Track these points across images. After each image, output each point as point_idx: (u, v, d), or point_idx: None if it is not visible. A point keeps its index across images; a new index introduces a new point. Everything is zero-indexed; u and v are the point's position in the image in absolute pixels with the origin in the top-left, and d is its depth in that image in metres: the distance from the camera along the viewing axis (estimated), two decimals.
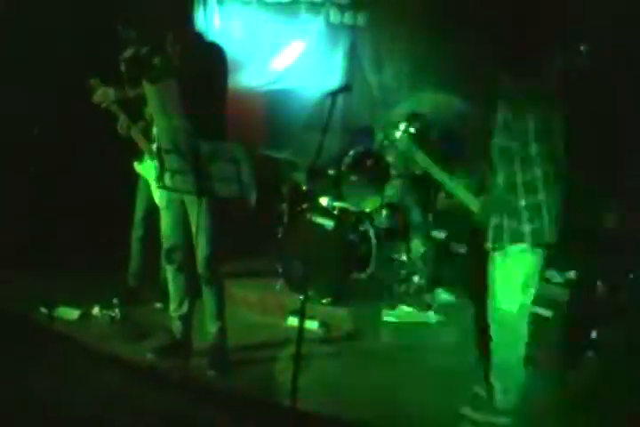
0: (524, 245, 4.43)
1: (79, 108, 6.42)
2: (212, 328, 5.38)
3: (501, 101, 4.45)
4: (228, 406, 4.67)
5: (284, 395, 4.42)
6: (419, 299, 6.85)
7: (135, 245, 6.51)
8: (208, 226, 5.13)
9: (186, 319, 5.46)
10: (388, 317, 6.38)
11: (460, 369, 5.57)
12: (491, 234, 4.50)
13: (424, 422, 4.78)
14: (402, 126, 5.57)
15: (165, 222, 5.33)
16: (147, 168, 6.18)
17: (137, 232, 6.48)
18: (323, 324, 6.30)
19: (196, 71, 4.90)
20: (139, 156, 6.25)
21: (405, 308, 6.57)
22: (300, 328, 4.39)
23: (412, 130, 5.57)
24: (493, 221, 4.47)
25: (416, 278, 7.06)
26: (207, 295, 5.33)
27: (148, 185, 6.25)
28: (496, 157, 4.46)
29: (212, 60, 5.07)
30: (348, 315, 6.42)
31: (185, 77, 4.83)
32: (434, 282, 7.02)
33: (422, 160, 4.88)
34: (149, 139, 5.98)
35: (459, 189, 4.77)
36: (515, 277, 4.53)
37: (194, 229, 5.08)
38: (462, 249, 7.28)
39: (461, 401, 4.97)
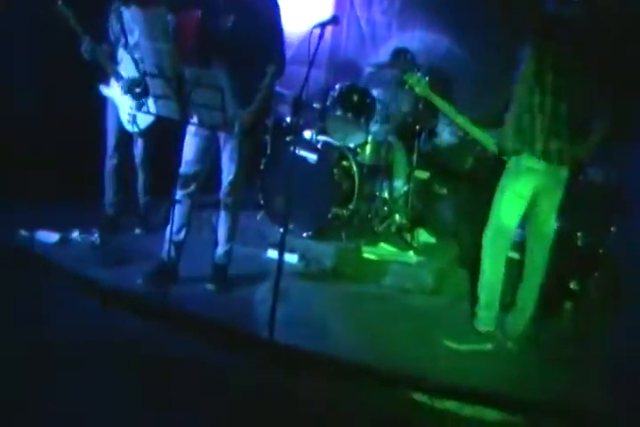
0: (536, 164, 4.85)
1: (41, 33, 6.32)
2: (222, 249, 5.56)
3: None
4: (206, 335, 4.63)
5: (262, 326, 4.39)
6: (399, 238, 6.82)
7: (109, 174, 6.38)
8: (237, 157, 5.27)
9: (179, 246, 5.47)
10: (369, 254, 6.34)
11: (437, 307, 5.59)
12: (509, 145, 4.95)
13: (400, 355, 4.77)
14: (417, 73, 5.53)
15: (189, 148, 5.26)
16: (115, 92, 6.08)
17: (111, 161, 6.35)
18: (302, 257, 6.27)
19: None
20: (105, 79, 6.12)
21: (386, 246, 6.53)
22: (280, 261, 4.35)
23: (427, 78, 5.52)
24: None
25: (397, 217, 7.03)
26: (223, 219, 5.53)
27: (117, 111, 6.15)
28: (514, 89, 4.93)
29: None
30: (328, 250, 6.38)
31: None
32: (415, 222, 6.99)
33: (441, 104, 5.38)
34: (115, 62, 5.89)
35: (474, 129, 5.24)
36: (521, 191, 4.93)
37: (224, 158, 5.29)
38: (444, 190, 7.26)
39: (438, 336, 5.08)
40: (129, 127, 6.08)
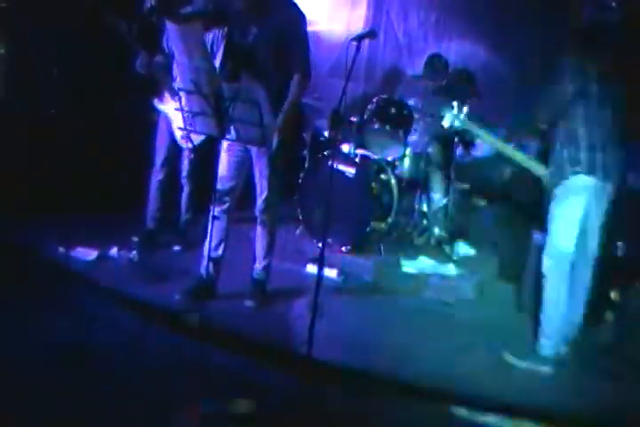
0: (583, 180, 4.77)
1: (97, 48, 6.34)
2: (260, 265, 5.56)
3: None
4: (245, 350, 4.63)
5: (301, 342, 4.37)
6: (439, 251, 6.79)
7: (155, 189, 6.38)
8: (271, 173, 5.27)
9: (217, 262, 5.48)
10: (408, 267, 6.31)
11: (480, 323, 5.54)
12: (553, 170, 4.91)
13: (441, 369, 4.72)
14: (455, 108, 5.51)
15: (223, 165, 5.27)
16: (169, 107, 6.07)
17: (157, 175, 6.34)
18: (342, 272, 6.25)
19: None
20: (159, 93, 6.13)
21: (425, 259, 6.50)
22: (319, 276, 4.34)
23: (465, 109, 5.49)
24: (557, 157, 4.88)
25: (436, 230, 6.99)
26: (260, 235, 5.53)
27: (169, 126, 6.15)
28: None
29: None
30: (367, 264, 6.37)
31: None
32: (454, 234, 6.95)
33: (483, 136, 5.32)
34: (170, 76, 5.91)
35: (520, 156, 5.15)
36: (573, 212, 4.82)
37: (257, 174, 5.30)
38: (483, 202, 7.22)
39: (481, 355, 5.02)
40: (183, 143, 6.07)
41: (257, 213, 5.45)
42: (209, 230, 5.32)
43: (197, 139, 5.99)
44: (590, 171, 4.77)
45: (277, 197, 5.43)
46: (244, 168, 5.34)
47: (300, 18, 5.17)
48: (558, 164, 4.90)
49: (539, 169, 5.10)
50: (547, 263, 4.99)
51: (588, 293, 5.06)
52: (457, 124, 5.42)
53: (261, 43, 5.07)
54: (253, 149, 5.21)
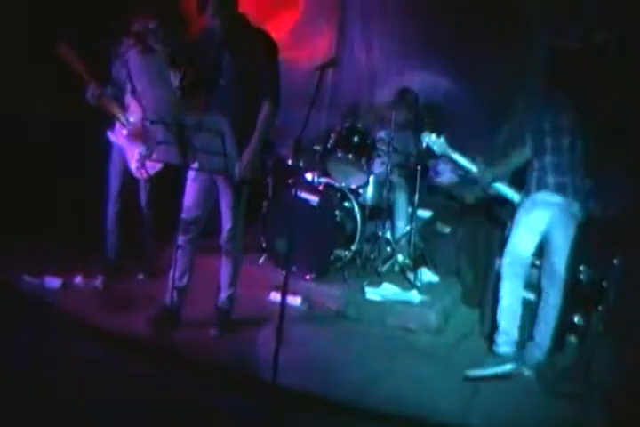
0: (550, 197, 5.05)
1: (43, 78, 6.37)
2: (224, 294, 5.56)
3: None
4: (209, 378, 4.64)
5: (266, 370, 4.37)
6: (403, 278, 6.82)
7: (112, 221, 6.30)
8: (236, 203, 5.29)
9: (182, 291, 5.49)
10: (372, 294, 6.33)
11: (443, 349, 5.57)
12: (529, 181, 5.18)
13: (406, 395, 4.73)
14: (432, 135, 5.67)
15: (188, 194, 5.29)
16: (121, 138, 6.06)
17: (113, 207, 6.28)
18: (305, 300, 6.26)
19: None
20: (111, 125, 6.11)
21: (389, 286, 6.52)
22: (283, 304, 4.35)
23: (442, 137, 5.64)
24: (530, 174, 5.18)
25: (400, 257, 7.02)
26: (225, 265, 5.53)
27: (122, 157, 6.13)
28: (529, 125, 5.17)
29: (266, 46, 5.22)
30: (331, 292, 6.38)
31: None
32: (418, 261, 6.98)
33: (460, 160, 5.62)
34: (122, 106, 5.91)
35: (500, 185, 5.54)
36: (537, 223, 5.11)
37: (222, 204, 5.32)
38: (446, 229, 7.26)
39: (446, 377, 5.08)
40: (138, 174, 6.06)
41: (222, 242, 5.44)
42: (174, 259, 5.34)
43: (153, 168, 5.99)
44: (556, 191, 5.04)
45: (242, 227, 5.45)
46: (209, 198, 5.36)
47: (271, 46, 5.21)
48: (528, 187, 5.17)
49: (514, 196, 5.46)
50: (504, 262, 5.28)
51: (558, 317, 5.26)
52: (436, 148, 5.71)
53: (231, 70, 5.11)
54: (220, 179, 5.23)
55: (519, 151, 5.19)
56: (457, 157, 5.61)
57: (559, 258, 5.20)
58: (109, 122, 6.11)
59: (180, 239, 5.32)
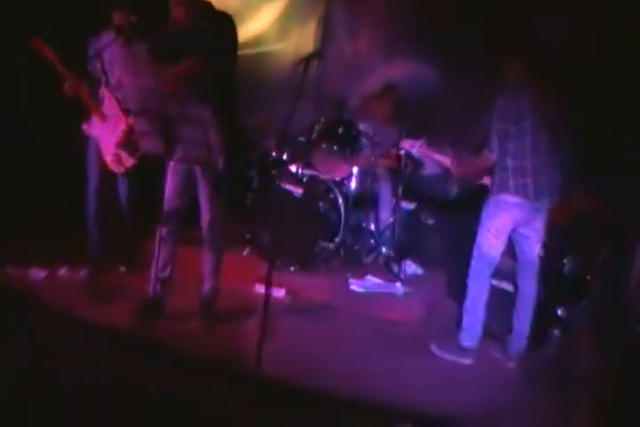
0: (512, 198, 5.06)
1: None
2: (207, 285, 5.53)
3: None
4: (193, 370, 4.62)
5: (249, 362, 4.37)
6: (387, 269, 6.82)
7: (93, 213, 6.25)
8: (214, 193, 5.26)
9: (165, 282, 5.46)
10: (356, 286, 6.34)
11: (427, 342, 5.57)
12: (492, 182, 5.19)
13: (392, 389, 4.72)
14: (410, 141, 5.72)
15: (169, 185, 5.28)
16: (98, 131, 6.00)
17: (93, 199, 6.21)
18: (289, 292, 6.25)
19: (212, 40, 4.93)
20: (87, 117, 6.04)
21: (373, 278, 6.53)
22: (267, 296, 4.35)
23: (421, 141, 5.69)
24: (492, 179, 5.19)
25: (384, 249, 7.02)
26: (207, 255, 5.50)
27: (98, 150, 6.07)
28: (492, 128, 5.07)
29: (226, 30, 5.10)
30: (315, 283, 6.39)
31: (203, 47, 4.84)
32: (402, 253, 6.99)
33: (440, 160, 5.68)
34: (97, 99, 5.88)
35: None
36: (502, 225, 5.14)
37: (200, 195, 5.28)
38: (431, 221, 7.27)
39: (429, 369, 5.15)
40: (114, 167, 6.01)
41: (203, 233, 5.42)
42: (155, 251, 5.33)
43: (129, 161, 5.95)
44: (517, 193, 5.06)
45: (222, 217, 5.42)
46: (188, 188, 5.32)
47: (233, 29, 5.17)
48: (492, 185, 5.20)
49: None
50: (472, 265, 5.31)
51: (533, 305, 5.31)
52: (414, 151, 5.84)
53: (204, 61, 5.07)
54: (197, 170, 5.21)
55: (483, 156, 5.18)
56: (436, 156, 5.64)
57: (530, 249, 5.30)
58: (85, 115, 6.05)
59: (162, 230, 5.31)
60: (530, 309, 5.32)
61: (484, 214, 5.23)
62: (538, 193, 5.06)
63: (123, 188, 6.25)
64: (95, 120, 5.95)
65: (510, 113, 5.02)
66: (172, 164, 5.19)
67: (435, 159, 5.70)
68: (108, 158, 5.91)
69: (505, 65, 5.25)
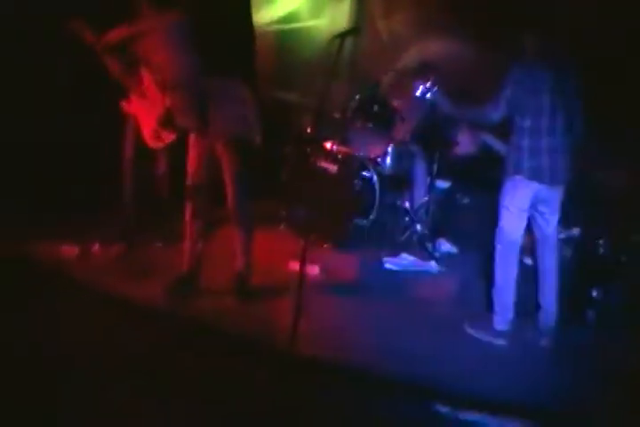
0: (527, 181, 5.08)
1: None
2: (240, 261, 5.53)
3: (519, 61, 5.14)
4: (227, 347, 4.63)
5: (284, 338, 4.37)
6: (421, 248, 6.78)
7: (128, 190, 6.35)
8: (237, 167, 5.24)
9: (198, 259, 5.49)
10: (390, 264, 6.31)
11: (459, 317, 5.57)
12: (506, 169, 5.20)
13: (423, 365, 4.73)
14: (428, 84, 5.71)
15: (191, 160, 5.30)
16: (137, 108, 6.04)
17: (128, 177, 6.31)
18: (323, 269, 6.24)
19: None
20: (127, 96, 6.07)
21: (407, 256, 6.50)
22: (301, 273, 4.34)
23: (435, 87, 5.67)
24: (507, 157, 5.22)
25: (419, 227, 6.99)
26: (236, 232, 5.49)
27: (136, 126, 6.09)
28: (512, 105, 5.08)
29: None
30: (349, 261, 6.37)
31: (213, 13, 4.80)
32: (436, 232, 6.95)
33: (448, 107, 5.74)
34: (137, 78, 5.88)
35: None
36: (521, 203, 5.15)
37: (224, 170, 5.25)
38: (466, 200, 7.22)
39: (463, 349, 5.15)
40: (152, 143, 6.03)
41: (229, 209, 5.40)
42: (186, 228, 5.33)
43: (168, 138, 5.95)
44: (532, 178, 5.06)
45: (246, 192, 5.38)
46: (211, 164, 5.29)
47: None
48: (507, 163, 5.19)
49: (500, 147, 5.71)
50: (498, 249, 5.30)
51: (556, 279, 5.32)
52: (429, 96, 5.77)
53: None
54: (219, 145, 5.18)
55: (488, 110, 5.20)
56: (446, 106, 5.73)
57: (547, 224, 5.31)
58: (124, 93, 6.06)
59: (189, 207, 5.31)
60: (554, 284, 5.32)
61: (502, 195, 5.24)
62: (553, 176, 5.07)
63: (160, 163, 6.26)
64: (134, 98, 5.96)
65: (526, 86, 5.01)
66: (192, 138, 5.18)
67: (444, 104, 5.73)
68: (148, 135, 5.92)
69: (525, 38, 5.21)
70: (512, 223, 5.19)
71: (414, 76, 7.25)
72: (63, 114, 6.81)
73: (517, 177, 5.09)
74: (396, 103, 7.19)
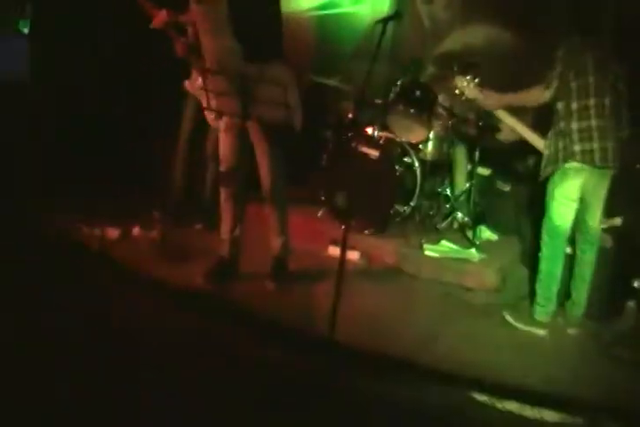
0: (577, 164, 4.98)
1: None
2: (277, 243, 5.52)
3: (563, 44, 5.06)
4: (266, 333, 4.63)
5: (323, 324, 4.35)
6: (462, 235, 6.74)
7: (180, 166, 6.41)
8: (271, 149, 5.22)
9: (236, 242, 5.47)
10: (430, 251, 6.27)
11: (499, 305, 5.57)
12: (551, 157, 5.11)
13: (461, 354, 4.71)
14: (467, 78, 5.62)
15: (224, 146, 5.29)
16: (197, 87, 6.01)
17: (182, 152, 6.43)
18: (363, 255, 6.22)
19: None
20: (189, 75, 6.08)
21: (448, 243, 6.46)
22: (342, 258, 4.32)
23: (476, 80, 5.59)
24: (553, 145, 5.09)
25: (459, 214, 6.94)
26: (272, 214, 5.46)
27: (197, 103, 6.09)
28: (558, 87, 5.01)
29: None
30: (389, 247, 6.34)
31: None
32: (477, 219, 6.90)
33: (490, 107, 5.72)
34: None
35: (525, 130, 5.58)
36: (569, 194, 5.07)
37: (257, 152, 5.23)
38: (507, 187, 7.16)
39: (503, 337, 5.12)
40: (214, 123, 6.02)
41: (263, 194, 5.38)
42: (223, 212, 5.34)
43: None
44: (584, 161, 4.96)
45: (282, 176, 5.37)
46: (245, 148, 5.27)
47: None
48: (553, 152, 5.10)
49: (540, 143, 5.40)
50: (544, 239, 5.25)
51: (592, 272, 5.32)
52: (467, 92, 5.71)
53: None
54: (252, 129, 5.16)
55: (537, 90, 5.13)
56: (487, 104, 5.70)
57: (592, 216, 5.25)
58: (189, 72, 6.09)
59: (224, 192, 5.31)
60: (589, 277, 5.30)
61: (551, 185, 5.16)
62: (603, 157, 4.96)
63: (212, 143, 6.26)
64: (195, 77, 5.96)
65: (573, 67, 4.95)
66: (224, 122, 5.18)
67: (479, 97, 5.66)
68: (210, 116, 5.92)
69: (573, 19, 5.17)
70: (561, 214, 5.13)
71: (456, 74, 7.22)
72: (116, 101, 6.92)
73: (567, 166, 5.00)
74: (441, 99, 7.12)
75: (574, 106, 4.95)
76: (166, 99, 6.46)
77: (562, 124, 5.03)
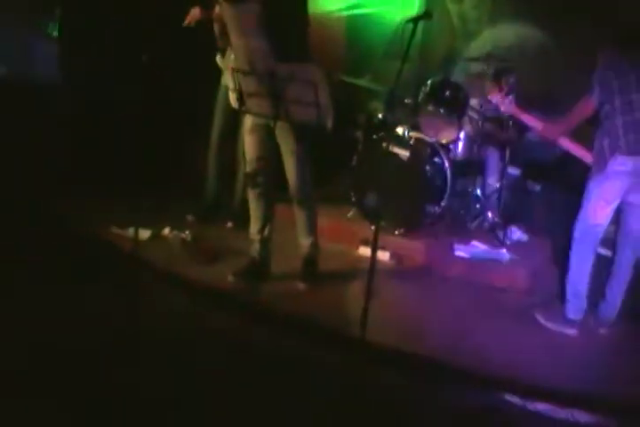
0: (622, 164, 4.89)
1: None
2: (306, 242, 5.50)
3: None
4: (297, 333, 4.63)
5: (354, 325, 4.34)
6: (492, 235, 6.71)
7: (213, 165, 6.44)
8: (297, 149, 5.19)
9: (266, 243, 5.47)
10: (461, 251, 6.25)
11: (530, 306, 5.52)
12: (596, 156, 5.06)
13: (492, 354, 4.68)
14: (502, 92, 5.63)
15: (249, 146, 5.28)
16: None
17: (214, 150, 6.47)
18: (394, 255, 6.21)
19: None
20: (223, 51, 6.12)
21: (478, 244, 6.44)
22: (372, 259, 4.30)
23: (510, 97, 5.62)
24: (598, 144, 5.04)
25: (490, 214, 6.92)
26: (299, 214, 5.45)
27: (227, 95, 6.06)
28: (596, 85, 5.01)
29: None
30: (420, 247, 6.33)
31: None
32: (507, 219, 6.87)
33: (528, 121, 5.62)
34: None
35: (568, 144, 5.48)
36: (610, 194, 5.00)
37: (283, 152, 5.20)
38: (537, 187, 7.13)
39: (534, 338, 5.08)
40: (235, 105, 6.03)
41: (290, 194, 5.37)
42: (251, 213, 5.35)
43: None
44: (631, 153, 4.89)
45: (309, 176, 5.35)
46: (270, 148, 5.25)
47: None
48: (599, 150, 5.03)
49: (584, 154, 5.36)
50: (575, 235, 5.19)
51: (629, 274, 5.25)
52: (503, 108, 5.73)
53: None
54: (280, 130, 5.13)
55: (583, 101, 5.09)
56: (523, 116, 5.60)
57: (634, 218, 5.15)
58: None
59: (251, 192, 5.31)
60: (625, 279, 5.24)
61: (592, 184, 5.07)
62: None
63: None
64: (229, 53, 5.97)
65: (614, 66, 4.92)
66: (249, 123, 5.19)
67: (521, 118, 5.63)
68: (232, 98, 5.93)
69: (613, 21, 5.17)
70: (599, 213, 5.06)
71: (489, 84, 7.17)
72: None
73: (609, 165, 4.92)
74: (471, 102, 7.09)
75: (617, 102, 4.89)
76: (198, 101, 6.48)
77: (607, 123, 4.97)
